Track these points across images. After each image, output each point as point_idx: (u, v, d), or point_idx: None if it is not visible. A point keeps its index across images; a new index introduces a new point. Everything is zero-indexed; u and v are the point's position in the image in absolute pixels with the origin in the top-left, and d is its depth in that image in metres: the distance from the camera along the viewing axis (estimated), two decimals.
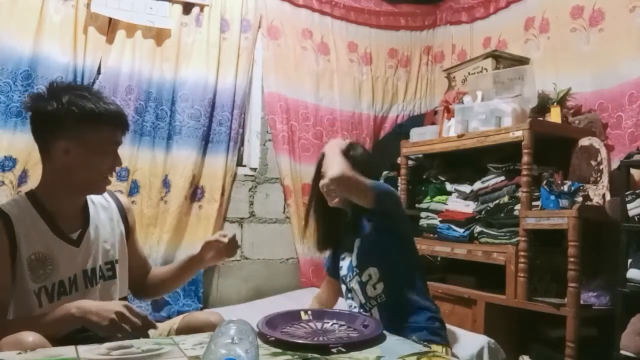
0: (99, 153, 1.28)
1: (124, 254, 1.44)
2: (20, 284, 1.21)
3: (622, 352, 1.89)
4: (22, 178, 2.42)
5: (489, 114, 2.47)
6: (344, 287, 1.77)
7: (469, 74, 2.86)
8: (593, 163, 2.32)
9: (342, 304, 1.82)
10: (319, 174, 1.76)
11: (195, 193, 2.88)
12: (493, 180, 2.48)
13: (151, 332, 1.40)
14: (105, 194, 1.45)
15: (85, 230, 1.34)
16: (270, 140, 3.18)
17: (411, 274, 1.69)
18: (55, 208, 1.29)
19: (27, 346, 1.04)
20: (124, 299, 1.43)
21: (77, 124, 1.23)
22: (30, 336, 1.07)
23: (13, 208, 1.25)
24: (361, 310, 1.65)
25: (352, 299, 1.71)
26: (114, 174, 1.36)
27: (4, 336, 1.08)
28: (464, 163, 2.75)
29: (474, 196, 2.56)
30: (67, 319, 1.14)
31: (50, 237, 1.26)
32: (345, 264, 1.76)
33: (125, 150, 2.66)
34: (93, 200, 1.40)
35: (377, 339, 1.16)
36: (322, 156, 1.74)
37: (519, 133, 2.27)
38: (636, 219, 1.96)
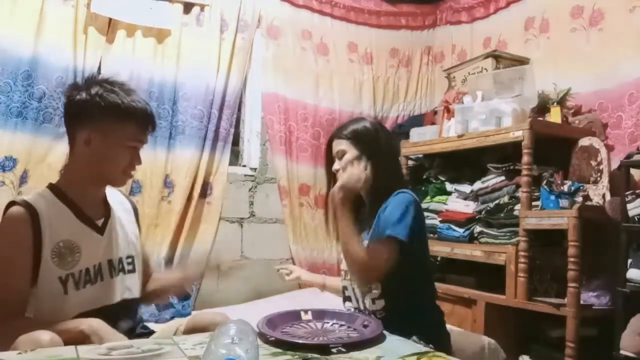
0: (119, 148, 1.30)
1: (139, 252, 1.46)
2: (46, 273, 1.23)
3: (622, 352, 1.90)
4: (23, 178, 2.42)
5: (489, 114, 2.47)
6: (342, 281, 1.67)
7: (469, 74, 2.86)
8: (593, 163, 2.32)
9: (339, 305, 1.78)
10: (330, 159, 1.66)
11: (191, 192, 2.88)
12: (493, 180, 2.48)
13: (156, 334, 1.42)
14: (121, 195, 1.50)
15: (109, 219, 1.36)
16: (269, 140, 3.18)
17: (419, 291, 1.54)
18: (77, 197, 1.31)
19: (44, 345, 1.05)
20: (138, 300, 1.44)
21: (101, 116, 1.26)
22: (47, 335, 1.08)
23: (39, 201, 1.27)
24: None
25: (350, 299, 1.64)
26: (132, 172, 1.38)
27: (19, 335, 1.09)
28: (464, 163, 2.75)
29: (474, 196, 2.56)
30: (76, 333, 1.15)
31: (77, 224, 1.29)
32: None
33: None
34: (111, 197, 1.43)
35: (377, 339, 1.16)
36: (330, 139, 1.66)
37: (519, 133, 2.27)
38: (636, 219, 1.96)
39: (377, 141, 1.61)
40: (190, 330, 1.34)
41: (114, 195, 1.46)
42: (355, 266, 1.47)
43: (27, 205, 1.24)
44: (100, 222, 1.34)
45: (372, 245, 1.48)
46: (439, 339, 1.51)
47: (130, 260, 1.40)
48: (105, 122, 1.27)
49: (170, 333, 1.38)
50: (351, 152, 1.59)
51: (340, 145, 1.62)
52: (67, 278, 1.24)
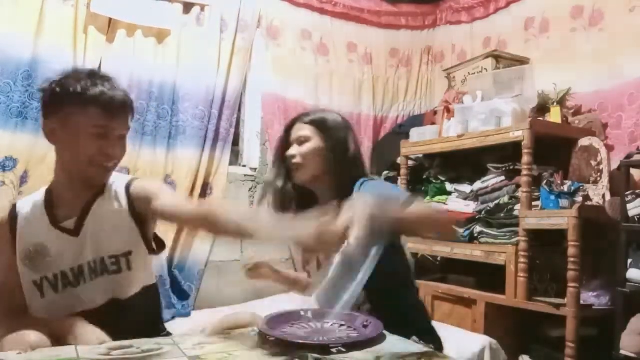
0: (81, 136, 1.21)
1: (138, 244, 1.35)
2: (22, 276, 1.24)
3: (622, 352, 1.90)
4: (24, 178, 2.42)
5: (489, 114, 2.47)
6: None
7: (469, 74, 2.87)
8: (593, 163, 2.32)
9: None
10: (285, 144, 1.48)
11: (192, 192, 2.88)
12: (493, 180, 2.48)
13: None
14: (123, 187, 1.35)
15: (84, 219, 1.28)
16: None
17: (403, 289, 1.45)
18: (58, 198, 1.29)
19: (29, 345, 1.05)
20: (151, 287, 1.39)
21: (60, 104, 1.22)
22: (32, 335, 1.08)
23: (25, 202, 1.29)
24: None
25: None
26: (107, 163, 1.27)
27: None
28: (464, 163, 2.75)
29: (474, 196, 2.56)
30: (65, 332, 1.15)
31: (47, 226, 1.26)
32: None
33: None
34: (111, 190, 1.33)
35: (377, 339, 1.16)
36: (292, 123, 1.49)
37: (519, 133, 2.27)
38: (636, 219, 1.96)
39: (345, 136, 1.46)
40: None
41: (115, 186, 1.35)
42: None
43: (12, 208, 1.27)
44: (71, 223, 1.27)
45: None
46: (429, 336, 1.43)
47: (114, 260, 1.30)
48: (64, 110, 1.22)
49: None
50: (315, 140, 1.44)
51: (302, 130, 1.45)
52: (41, 282, 1.23)
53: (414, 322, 1.44)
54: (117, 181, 1.34)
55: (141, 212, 1.33)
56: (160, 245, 1.41)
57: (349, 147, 1.45)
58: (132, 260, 1.34)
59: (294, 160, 1.44)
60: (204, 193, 2.89)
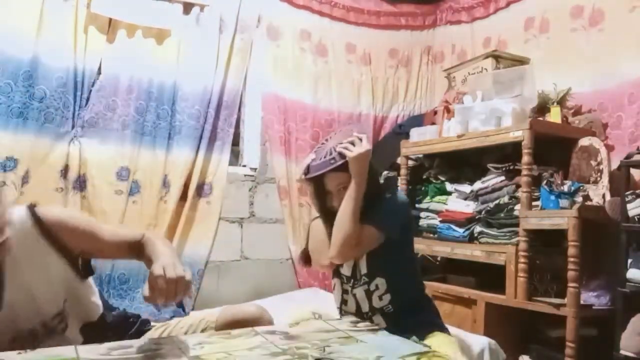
0: None
1: (72, 289, 1.23)
2: None
3: (622, 352, 1.90)
4: (25, 178, 2.42)
5: (489, 114, 2.47)
6: (338, 286, 1.67)
7: (469, 74, 2.86)
8: (593, 163, 2.32)
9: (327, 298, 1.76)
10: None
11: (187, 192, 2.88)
12: (493, 180, 2.48)
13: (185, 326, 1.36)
14: (32, 230, 1.16)
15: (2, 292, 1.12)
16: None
17: (416, 279, 1.70)
18: None
19: None
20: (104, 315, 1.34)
21: None
22: None
23: None
24: (357, 317, 1.58)
25: (346, 303, 1.64)
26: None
27: None
28: (464, 163, 2.75)
29: (474, 196, 2.56)
30: None
31: None
32: (347, 263, 1.63)
33: (126, 150, 2.67)
34: (18, 247, 1.11)
35: None
36: (322, 174, 1.59)
37: (519, 133, 2.27)
38: (636, 219, 1.96)
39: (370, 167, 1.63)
40: (226, 325, 1.31)
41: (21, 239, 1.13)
42: (344, 235, 1.50)
43: None
44: None
45: (366, 227, 1.52)
46: (438, 323, 1.64)
47: (59, 319, 1.20)
48: None
49: (197, 328, 1.34)
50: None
51: (338, 178, 1.58)
52: None
53: (422, 305, 1.66)
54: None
55: (66, 244, 1.19)
56: (89, 270, 1.29)
57: (371, 172, 1.61)
58: (69, 307, 1.23)
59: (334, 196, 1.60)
60: (201, 193, 2.89)
